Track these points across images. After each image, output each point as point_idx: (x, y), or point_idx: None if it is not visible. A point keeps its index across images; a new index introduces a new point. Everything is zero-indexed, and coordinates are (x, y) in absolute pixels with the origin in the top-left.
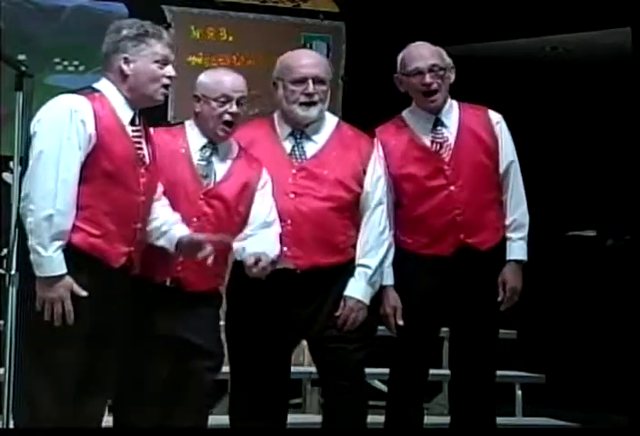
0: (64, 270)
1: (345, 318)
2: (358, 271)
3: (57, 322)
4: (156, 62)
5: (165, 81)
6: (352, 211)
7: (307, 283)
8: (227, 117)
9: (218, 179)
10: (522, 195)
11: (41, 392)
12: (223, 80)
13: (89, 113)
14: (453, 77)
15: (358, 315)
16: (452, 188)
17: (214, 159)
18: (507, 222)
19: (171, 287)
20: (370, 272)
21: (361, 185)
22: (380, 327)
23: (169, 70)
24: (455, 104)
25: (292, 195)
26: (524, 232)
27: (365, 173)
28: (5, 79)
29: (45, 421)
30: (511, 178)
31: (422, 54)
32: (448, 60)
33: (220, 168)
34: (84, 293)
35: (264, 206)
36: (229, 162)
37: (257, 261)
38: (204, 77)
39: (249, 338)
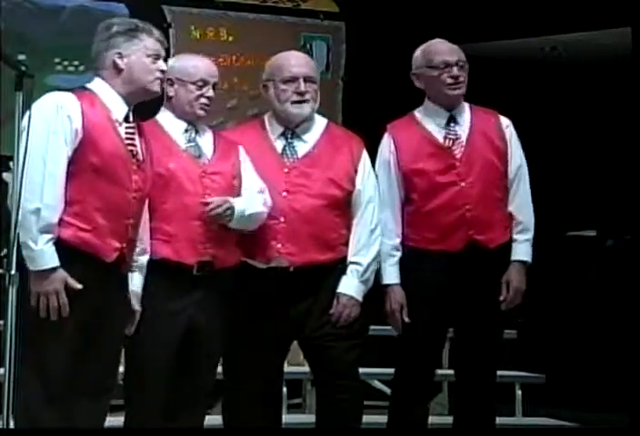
0: (56, 263)
1: (339, 314)
2: (350, 268)
3: (53, 316)
4: (149, 56)
5: (159, 74)
6: (343, 209)
7: (300, 281)
8: (204, 100)
9: (209, 156)
10: (529, 199)
11: (34, 392)
12: (199, 65)
13: (76, 108)
14: None
15: (352, 311)
16: (463, 184)
17: (198, 139)
18: (514, 223)
19: (197, 275)
20: (362, 269)
21: (353, 184)
22: (379, 327)
23: (161, 64)
24: (466, 105)
25: (284, 193)
26: (529, 235)
27: (356, 172)
28: (5, 79)
29: (40, 423)
30: (519, 181)
31: (449, 49)
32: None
33: (206, 146)
34: (78, 286)
35: (250, 177)
36: (210, 139)
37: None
38: (177, 62)
39: (243, 337)
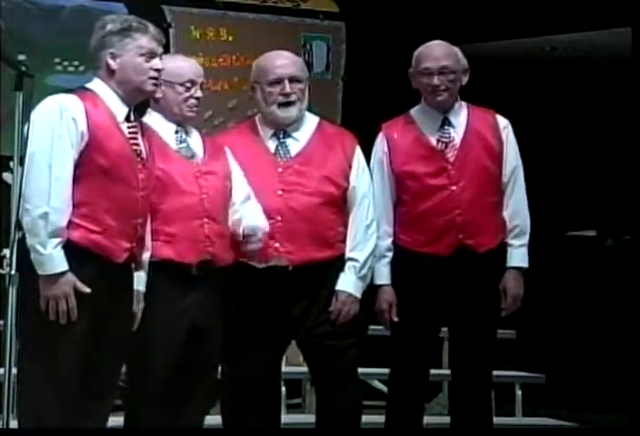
0: (65, 267)
1: (338, 312)
2: (347, 265)
3: (62, 320)
4: (142, 55)
5: (153, 73)
6: (340, 206)
7: (299, 280)
8: (193, 101)
9: (201, 156)
10: (524, 201)
11: (42, 394)
12: (184, 65)
13: (80, 110)
14: (465, 80)
15: (350, 309)
16: (454, 188)
17: (188, 140)
18: (509, 227)
19: (197, 275)
20: (359, 265)
21: (347, 180)
22: (379, 327)
23: (156, 63)
24: (464, 104)
25: (280, 192)
26: (525, 239)
27: (350, 168)
28: (5, 79)
29: (49, 423)
30: (514, 184)
31: (434, 55)
32: (463, 62)
33: (196, 147)
34: (87, 290)
35: (239, 184)
36: (199, 140)
37: (253, 234)
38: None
39: (241, 337)
